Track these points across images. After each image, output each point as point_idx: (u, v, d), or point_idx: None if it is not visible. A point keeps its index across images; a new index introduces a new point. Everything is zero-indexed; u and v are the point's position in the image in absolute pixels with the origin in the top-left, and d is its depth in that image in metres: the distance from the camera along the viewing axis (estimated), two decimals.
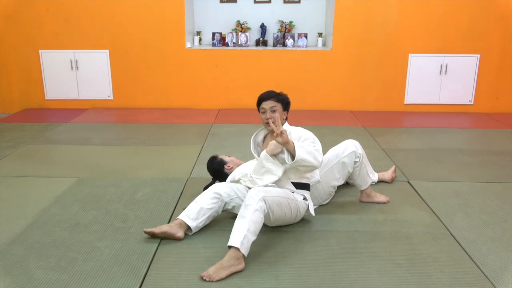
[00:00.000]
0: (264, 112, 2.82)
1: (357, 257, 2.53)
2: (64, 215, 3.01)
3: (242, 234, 2.35)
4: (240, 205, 2.64)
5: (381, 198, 3.25)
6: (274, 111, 2.80)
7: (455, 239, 2.73)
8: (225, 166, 3.17)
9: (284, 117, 2.89)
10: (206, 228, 2.78)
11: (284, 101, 2.87)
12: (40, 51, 6.17)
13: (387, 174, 3.65)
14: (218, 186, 2.82)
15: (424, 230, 2.84)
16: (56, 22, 6.08)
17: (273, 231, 2.79)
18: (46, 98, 6.36)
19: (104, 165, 4.02)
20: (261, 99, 2.86)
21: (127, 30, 6.12)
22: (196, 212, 2.69)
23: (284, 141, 2.54)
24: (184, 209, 2.78)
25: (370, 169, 3.36)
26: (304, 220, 2.94)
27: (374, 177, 3.52)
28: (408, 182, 3.65)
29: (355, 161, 3.05)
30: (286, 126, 2.86)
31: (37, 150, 4.46)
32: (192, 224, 2.68)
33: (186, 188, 3.48)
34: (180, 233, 2.65)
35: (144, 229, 2.67)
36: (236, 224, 2.42)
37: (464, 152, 4.46)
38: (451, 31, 6.05)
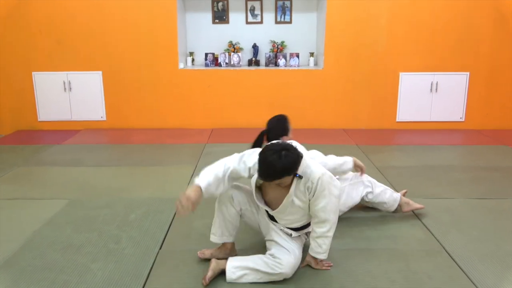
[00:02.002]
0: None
1: (352, 275, 2.52)
2: (56, 237, 2.98)
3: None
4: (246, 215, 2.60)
5: (418, 205, 3.30)
6: (279, 184, 2.34)
7: (450, 255, 2.73)
8: (287, 133, 2.93)
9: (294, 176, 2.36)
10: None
11: (287, 173, 2.26)
12: (33, 72, 6.18)
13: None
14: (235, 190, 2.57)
15: (418, 247, 2.84)
16: (49, 44, 6.11)
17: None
18: (38, 119, 6.34)
19: (97, 186, 4.00)
20: (261, 177, 2.30)
21: (120, 51, 6.16)
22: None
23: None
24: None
25: (380, 189, 3.25)
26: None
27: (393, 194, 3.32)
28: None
29: (367, 192, 3.10)
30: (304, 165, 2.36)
31: (29, 172, 4.43)
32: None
33: None
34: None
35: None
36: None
37: (456, 169, 4.49)
38: (440, 50, 6.15)
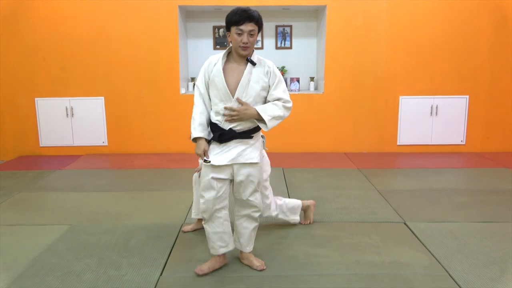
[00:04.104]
0: (240, 34, 2.52)
1: None
2: (56, 263, 2.95)
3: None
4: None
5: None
6: (252, 35, 2.53)
7: (455, 281, 2.69)
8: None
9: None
10: (203, 278, 2.73)
11: (261, 24, 2.58)
12: (36, 99, 6.24)
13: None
14: None
15: (422, 272, 2.80)
16: (52, 71, 6.18)
17: (266, 275, 2.74)
18: (40, 145, 6.36)
19: (98, 212, 3.98)
20: (240, 19, 2.50)
21: (122, 77, 6.23)
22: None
23: (240, 119, 2.60)
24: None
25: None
26: (301, 263, 2.90)
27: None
28: (405, 223, 3.64)
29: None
30: (256, 58, 2.65)
31: (30, 198, 4.42)
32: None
33: (180, 233, 3.43)
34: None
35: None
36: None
37: (459, 192, 4.47)
38: (439, 73, 6.21)
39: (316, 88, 6.73)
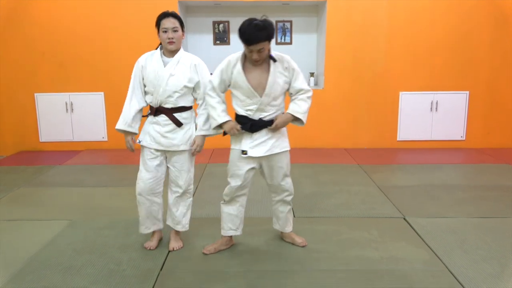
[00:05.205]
0: (251, 52, 2.68)
1: None
2: (56, 259, 2.95)
3: None
4: None
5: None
6: (261, 51, 2.66)
7: (454, 276, 2.70)
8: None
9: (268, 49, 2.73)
10: (202, 277, 2.73)
11: (271, 37, 2.67)
12: (35, 94, 6.23)
13: None
14: None
15: (422, 268, 2.81)
16: (51, 66, 6.17)
17: (266, 270, 2.75)
18: (40, 140, 6.36)
19: (98, 207, 3.98)
20: (248, 41, 2.62)
21: (122, 72, 6.18)
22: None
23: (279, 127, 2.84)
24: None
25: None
26: (301, 258, 2.91)
27: None
28: (404, 218, 3.64)
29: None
30: (274, 54, 2.83)
31: (30, 193, 4.42)
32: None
33: None
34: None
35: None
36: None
37: (459, 188, 4.48)
38: (439, 69, 6.20)
39: (316, 84, 6.72)
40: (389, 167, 5.34)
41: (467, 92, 6.25)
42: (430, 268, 2.81)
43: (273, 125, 2.81)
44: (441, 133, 6.37)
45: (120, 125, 3.05)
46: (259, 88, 2.75)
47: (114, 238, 3.29)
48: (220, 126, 2.85)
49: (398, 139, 6.39)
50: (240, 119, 2.83)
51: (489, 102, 6.29)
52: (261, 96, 2.75)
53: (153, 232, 3.14)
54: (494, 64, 6.17)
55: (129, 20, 6.07)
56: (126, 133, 3.05)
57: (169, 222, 3.13)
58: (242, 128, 2.81)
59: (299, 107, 2.87)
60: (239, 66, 2.75)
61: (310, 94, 2.92)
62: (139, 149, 3.13)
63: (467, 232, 3.36)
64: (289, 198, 3.06)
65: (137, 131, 3.05)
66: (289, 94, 2.93)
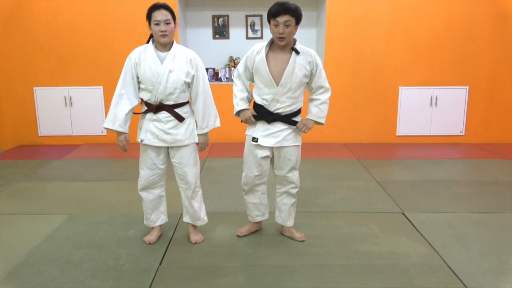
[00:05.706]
0: (277, 25, 2.74)
1: None
2: (55, 253, 2.96)
3: None
4: None
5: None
6: (288, 25, 2.72)
7: (453, 271, 2.70)
8: None
9: (295, 32, 2.80)
10: (200, 272, 2.73)
11: (299, 16, 2.76)
12: (34, 88, 6.21)
13: None
14: None
15: (421, 262, 2.82)
16: (50, 60, 6.15)
17: (265, 265, 2.75)
18: (39, 134, 6.35)
19: (97, 201, 3.98)
20: (276, 12, 2.74)
21: (121, 66, 6.12)
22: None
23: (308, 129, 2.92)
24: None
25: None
26: (300, 253, 2.91)
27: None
28: (403, 213, 3.64)
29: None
30: (299, 46, 2.85)
31: (29, 187, 4.42)
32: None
33: (179, 223, 3.43)
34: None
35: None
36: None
37: (457, 183, 4.48)
38: (439, 64, 6.19)
39: None
40: (388, 162, 5.34)
41: (467, 87, 6.24)
42: (429, 263, 2.81)
43: (296, 125, 2.89)
44: (440, 128, 6.36)
45: (109, 124, 2.93)
46: (278, 78, 2.79)
47: (113, 232, 3.29)
48: (238, 113, 2.96)
49: (397, 134, 6.39)
50: (256, 108, 2.90)
51: (489, 98, 6.28)
52: (277, 86, 2.78)
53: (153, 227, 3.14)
54: (494, 59, 6.16)
55: (128, 14, 6.04)
56: (118, 132, 2.95)
57: (186, 219, 3.09)
58: (255, 118, 2.88)
59: (322, 112, 2.94)
60: (263, 53, 2.81)
61: (329, 94, 2.95)
62: (133, 148, 3.08)
63: (465, 227, 3.36)
64: (294, 191, 3.06)
65: (128, 131, 2.98)
66: (308, 89, 2.95)
